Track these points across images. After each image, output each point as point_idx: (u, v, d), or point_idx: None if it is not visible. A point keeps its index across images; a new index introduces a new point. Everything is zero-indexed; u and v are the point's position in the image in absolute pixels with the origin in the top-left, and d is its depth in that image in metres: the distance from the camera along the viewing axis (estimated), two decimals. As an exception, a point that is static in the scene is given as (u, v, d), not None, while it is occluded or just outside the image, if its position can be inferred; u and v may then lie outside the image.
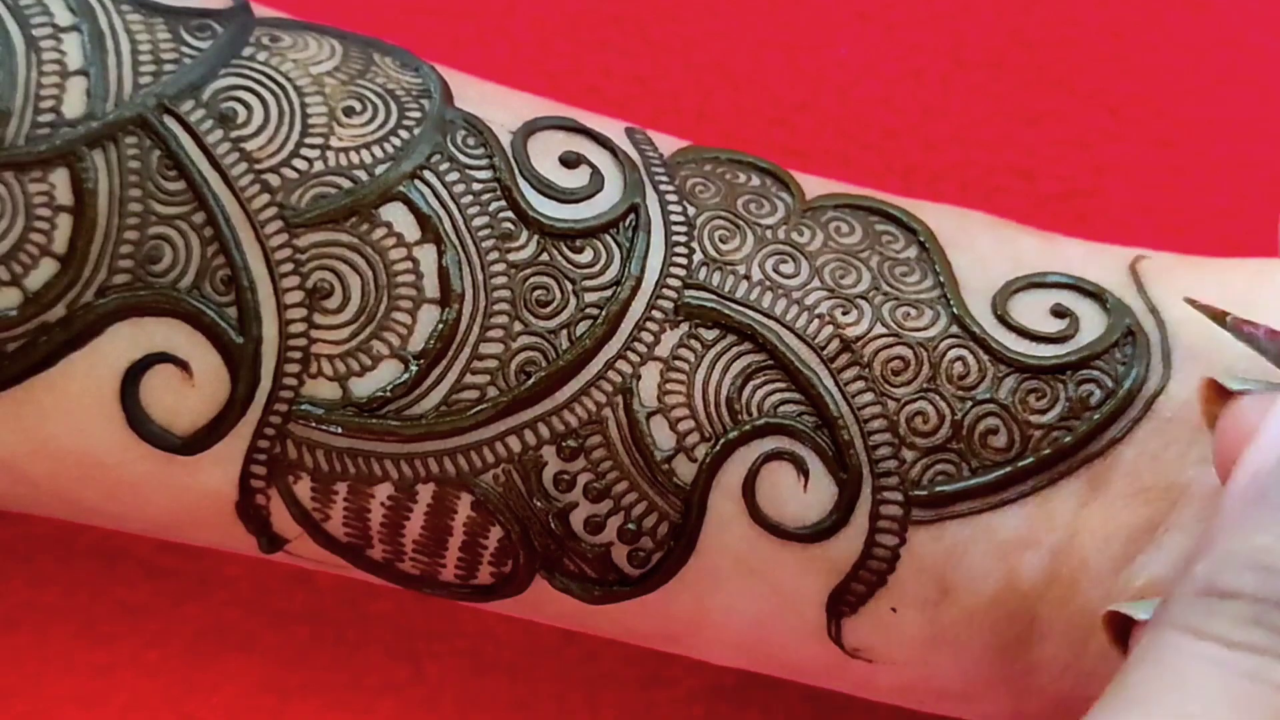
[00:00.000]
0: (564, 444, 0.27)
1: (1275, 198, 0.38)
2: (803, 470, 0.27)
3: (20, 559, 0.35)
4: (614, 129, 0.29)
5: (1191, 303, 0.26)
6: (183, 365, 0.27)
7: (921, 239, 0.29)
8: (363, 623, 0.35)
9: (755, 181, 0.29)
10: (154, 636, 0.35)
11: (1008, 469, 0.27)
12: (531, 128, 0.28)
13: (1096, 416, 0.27)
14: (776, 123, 0.38)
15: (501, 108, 0.29)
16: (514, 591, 0.28)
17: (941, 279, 0.28)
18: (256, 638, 0.35)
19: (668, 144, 0.30)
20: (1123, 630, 0.25)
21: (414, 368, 0.27)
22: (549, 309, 0.27)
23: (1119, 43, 0.39)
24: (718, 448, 0.27)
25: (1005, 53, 0.39)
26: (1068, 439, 0.27)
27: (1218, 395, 0.25)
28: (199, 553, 0.35)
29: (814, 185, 0.30)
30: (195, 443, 0.27)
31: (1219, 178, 0.38)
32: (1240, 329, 0.25)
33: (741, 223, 0.28)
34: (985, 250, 0.29)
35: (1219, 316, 0.25)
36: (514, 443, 0.27)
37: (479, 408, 0.27)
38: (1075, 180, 0.38)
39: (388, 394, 0.27)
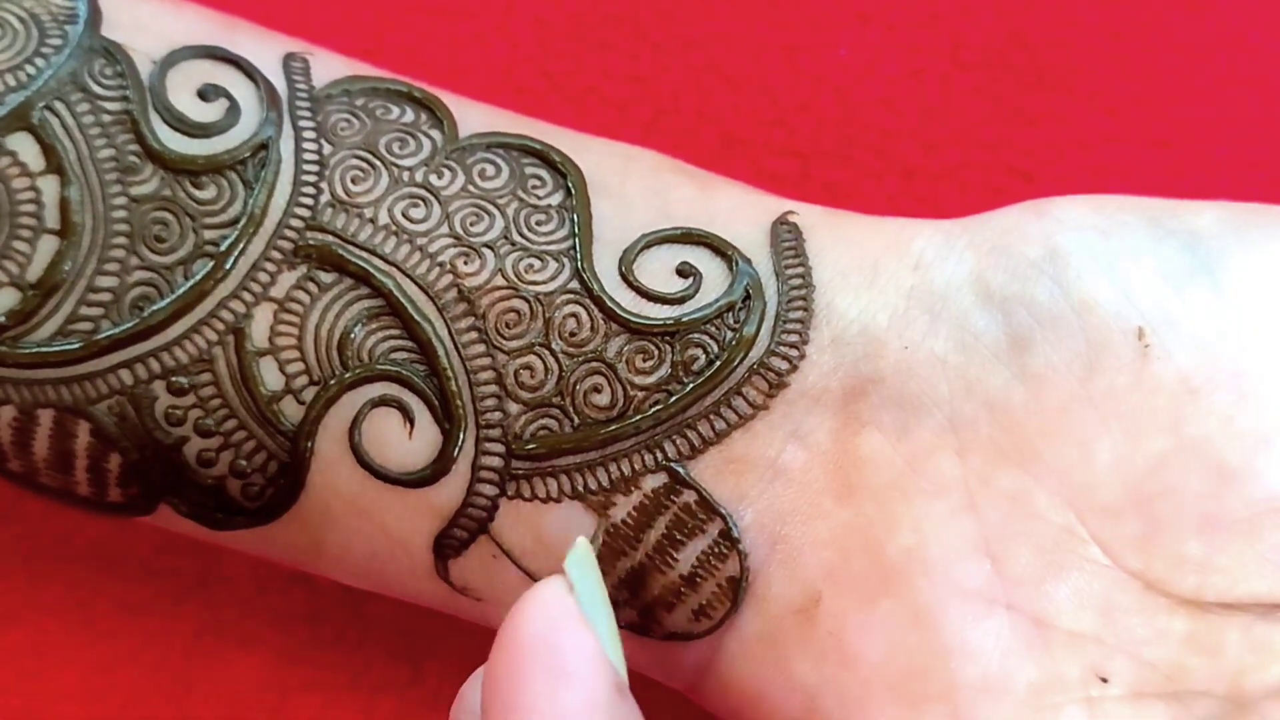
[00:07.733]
0: (173, 380, 0.27)
1: (1275, 198, 0.38)
2: (409, 418, 0.27)
3: (20, 558, 0.35)
4: (272, 55, 0.29)
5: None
6: None
7: (570, 184, 0.28)
8: (363, 623, 0.35)
9: (409, 117, 0.29)
10: (153, 635, 0.35)
11: (612, 428, 0.27)
12: (174, 58, 0.28)
13: (697, 382, 0.27)
14: (776, 123, 0.38)
15: (152, 35, 0.28)
16: (145, 512, 0.29)
17: (577, 230, 0.28)
18: (256, 637, 0.35)
19: (335, 70, 0.29)
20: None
21: (30, 296, 0.27)
22: (166, 245, 0.27)
23: (1119, 43, 0.39)
24: (325, 391, 0.27)
25: (1005, 53, 0.38)
26: (670, 402, 0.27)
27: None
28: (198, 552, 0.35)
29: (476, 121, 0.29)
30: None
31: (1219, 178, 0.38)
32: None
33: (379, 163, 0.28)
34: (632, 199, 0.28)
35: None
36: (126, 376, 0.27)
37: (91, 340, 0.27)
38: (1075, 180, 0.38)
39: (3, 321, 0.27)
